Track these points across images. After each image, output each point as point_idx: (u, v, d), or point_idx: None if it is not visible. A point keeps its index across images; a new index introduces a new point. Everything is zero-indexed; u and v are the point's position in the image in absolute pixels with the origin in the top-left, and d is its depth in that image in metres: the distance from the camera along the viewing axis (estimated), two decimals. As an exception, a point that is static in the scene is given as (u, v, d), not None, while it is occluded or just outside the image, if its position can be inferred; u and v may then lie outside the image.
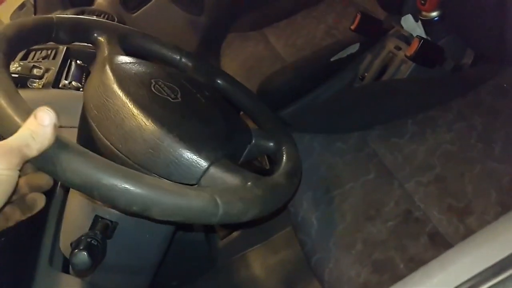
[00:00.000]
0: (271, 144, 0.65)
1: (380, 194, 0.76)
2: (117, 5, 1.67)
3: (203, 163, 0.49)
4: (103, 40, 0.62)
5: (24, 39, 0.53)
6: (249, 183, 0.48)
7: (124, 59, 0.59)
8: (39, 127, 0.34)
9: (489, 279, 0.33)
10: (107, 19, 1.40)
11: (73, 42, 0.62)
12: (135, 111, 0.49)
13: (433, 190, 0.73)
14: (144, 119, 0.49)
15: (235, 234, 1.20)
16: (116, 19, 1.42)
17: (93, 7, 1.60)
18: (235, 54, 1.53)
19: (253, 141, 0.62)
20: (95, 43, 0.63)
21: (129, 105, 0.50)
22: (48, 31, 0.58)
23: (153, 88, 0.56)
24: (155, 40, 0.74)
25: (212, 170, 0.48)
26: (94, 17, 1.37)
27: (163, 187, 0.40)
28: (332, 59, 1.22)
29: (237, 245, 1.20)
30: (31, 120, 0.34)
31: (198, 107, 0.59)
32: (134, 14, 1.68)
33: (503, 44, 0.85)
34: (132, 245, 0.61)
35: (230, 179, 0.48)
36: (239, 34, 1.59)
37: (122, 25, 0.73)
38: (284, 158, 0.62)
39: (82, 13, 1.41)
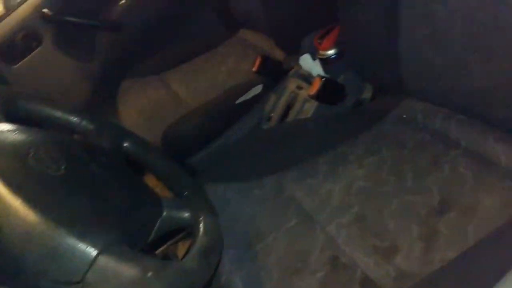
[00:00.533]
0: (186, 214, 0.58)
1: (304, 242, 0.72)
2: (-6, 57, 1.49)
3: (90, 252, 0.39)
4: None
5: None
6: (149, 273, 0.40)
7: (1, 127, 0.49)
8: None
9: None
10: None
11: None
12: (2, 190, 0.40)
13: (355, 230, 0.71)
14: (12, 200, 0.39)
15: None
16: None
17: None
18: (133, 101, 1.45)
19: (164, 213, 0.55)
20: None
21: None
22: None
23: (30, 160, 0.46)
24: (47, 102, 0.64)
25: (102, 260, 0.39)
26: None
27: None
28: (237, 102, 1.20)
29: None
30: None
31: (87, 180, 0.50)
32: (16, 66, 1.52)
33: (400, 78, 0.89)
34: None
35: (125, 270, 0.40)
36: (135, 80, 1.51)
37: (4, 87, 0.62)
38: (200, 232, 0.56)
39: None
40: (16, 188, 0.40)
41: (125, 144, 0.67)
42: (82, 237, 0.39)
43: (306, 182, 0.85)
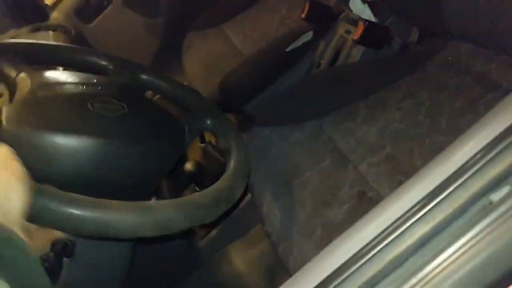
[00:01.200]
0: (208, 121, 0.68)
1: (335, 178, 0.79)
2: (72, 17, 1.65)
3: None
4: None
5: None
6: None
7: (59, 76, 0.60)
8: None
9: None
10: (64, 32, 1.39)
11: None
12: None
13: (384, 169, 0.76)
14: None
15: (213, 232, 1.22)
16: (73, 31, 1.42)
17: (48, 22, 1.59)
18: (195, 53, 1.54)
19: (186, 127, 0.65)
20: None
21: None
22: None
23: (89, 105, 0.58)
24: (65, 48, 0.74)
25: None
26: (50, 33, 1.37)
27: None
28: (287, 49, 1.23)
29: (217, 243, 1.22)
30: None
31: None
32: (91, 24, 1.68)
33: (443, 19, 0.88)
34: (93, 261, 0.62)
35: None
36: (198, 33, 1.60)
37: (23, 42, 0.73)
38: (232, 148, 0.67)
39: (38, 29, 1.40)
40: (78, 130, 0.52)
41: (144, 77, 0.75)
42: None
43: (344, 125, 0.89)
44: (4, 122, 0.51)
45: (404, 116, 0.84)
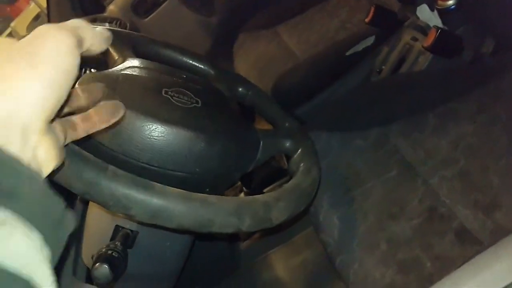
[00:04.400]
0: (288, 143, 0.65)
1: (403, 191, 0.74)
2: (128, 11, 1.68)
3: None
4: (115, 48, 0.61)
5: None
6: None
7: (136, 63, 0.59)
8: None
9: None
10: (119, 25, 1.41)
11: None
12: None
13: (458, 185, 0.71)
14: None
15: (256, 235, 1.19)
16: (128, 25, 1.43)
17: (105, 14, 1.62)
18: (247, 54, 1.52)
19: (261, 142, 0.61)
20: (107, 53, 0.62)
21: None
22: None
23: (164, 94, 0.55)
24: (175, 47, 0.74)
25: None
26: (107, 25, 1.39)
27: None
28: (347, 53, 1.20)
29: (259, 247, 1.19)
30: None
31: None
32: (146, 19, 1.69)
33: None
34: (152, 253, 0.61)
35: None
36: (251, 33, 1.58)
37: (137, 33, 0.73)
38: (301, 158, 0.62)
39: (95, 20, 1.42)
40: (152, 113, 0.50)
41: (240, 89, 0.74)
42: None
43: (412, 135, 0.85)
44: None
45: (478, 130, 0.79)
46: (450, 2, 0.99)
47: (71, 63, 0.27)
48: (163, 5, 1.69)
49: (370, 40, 1.17)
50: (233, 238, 1.18)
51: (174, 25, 1.71)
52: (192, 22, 1.72)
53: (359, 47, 1.17)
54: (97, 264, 0.49)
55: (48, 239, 0.23)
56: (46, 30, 0.27)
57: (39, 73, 0.25)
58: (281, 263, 1.15)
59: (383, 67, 1.11)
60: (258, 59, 1.47)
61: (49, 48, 0.26)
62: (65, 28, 0.28)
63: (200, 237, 0.86)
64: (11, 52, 0.25)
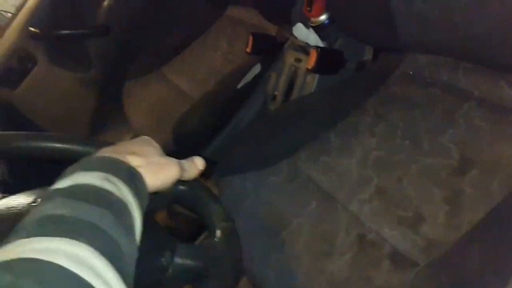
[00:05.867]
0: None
1: (328, 223, 0.72)
2: (-5, 85, 1.50)
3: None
4: None
5: None
6: None
7: None
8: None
9: None
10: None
11: None
12: None
13: (378, 204, 0.70)
14: None
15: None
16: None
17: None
18: (138, 102, 1.44)
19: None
20: None
21: None
22: None
23: None
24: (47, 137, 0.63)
25: None
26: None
27: None
28: (238, 86, 1.17)
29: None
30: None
31: None
32: (17, 90, 1.52)
33: (396, 32, 0.85)
34: None
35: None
36: (137, 80, 1.50)
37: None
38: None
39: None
40: None
41: None
42: None
43: (320, 160, 0.83)
44: None
45: (380, 142, 0.80)
46: (322, 18, 1.01)
47: (173, 179, 0.44)
48: (33, 70, 1.53)
49: (257, 69, 1.16)
50: None
51: (50, 89, 1.55)
52: (70, 82, 1.58)
53: (249, 77, 1.15)
54: None
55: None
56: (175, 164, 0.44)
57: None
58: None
59: (276, 92, 1.10)
60: (151, 106, 1.39)
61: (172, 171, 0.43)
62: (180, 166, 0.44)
63: None
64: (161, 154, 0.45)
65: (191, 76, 1.35)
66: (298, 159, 0.86)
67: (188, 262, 0.52)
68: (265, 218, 0.80)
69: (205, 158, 1.18)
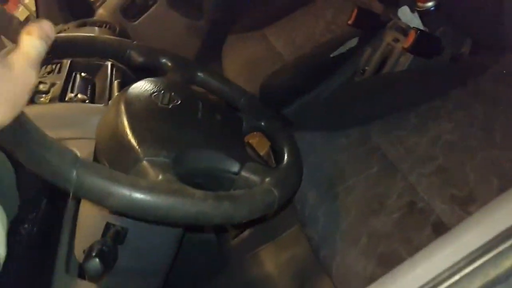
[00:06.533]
0: (262, 123, 0.74)
1: (383, 187, 0.77)
2: (118, 14, 1.69)
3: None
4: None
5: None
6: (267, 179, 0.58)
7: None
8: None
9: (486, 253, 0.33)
10: (108, 29, 1.42)
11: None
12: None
13: (436, 180, 0.74)
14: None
15: (246, 233, 1.21)
16: (117, 28, 1.44)
17: (94, 18, 1.63)
18: (236, 55, 1.55)
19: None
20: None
21: None
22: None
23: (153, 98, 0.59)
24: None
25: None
26: (96, 29, 1.40)
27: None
28: (332, 55, 1.23)
29: (248, 244, 1.21)
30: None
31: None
32: (135, 23, 1.71)
33: (501, 31, 0.86)
34: (142, 249, 0.63)
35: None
36: (239, 35, 1.61)
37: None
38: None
39: (84, 24, 1.43)
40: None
41: (200, 75, 0.77)
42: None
43: (393, 133, 0.88)
44: None
45: (456, 127, 0.82)
46: (430, 4, 1.03)
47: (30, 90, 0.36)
48: (152, 8, 1.71)
49: (354, 42, 1.20)
50: (222, 236, 1.20)
51: (163, 29, 1.73)
52: (181, 26, 1.74)
53: (344, 48, 1.20)
54: (88, 257, 0.51)
55: None
56: None
57: None
58: (270, 259, 1.17)
59: (367, 67, 1.14)
60: (246, 61, 1.49)
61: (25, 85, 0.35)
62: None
63: (190, 230, 0.88)
64: None
65: (290, 40, 1.42)
66: (371, 128, 0.91)
67: (253, 178, 0.61)
68: (327, 171, 0.87)
69: (285, 117, 1.27)
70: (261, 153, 1.18)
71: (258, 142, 1.19)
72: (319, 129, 0.97)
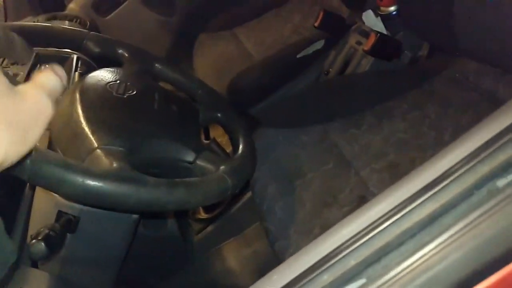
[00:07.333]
0: (219, 114, 0.76)
1: (337, 181, 0.80)
2: (89, 9, 1.68)
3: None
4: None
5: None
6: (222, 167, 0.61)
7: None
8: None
9: None
10: (79, 23, 1.41)
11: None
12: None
13: (386, 176, 0.77)
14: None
15: (209, 228, 1.22)
16: (88, 23, 1.44)
17: (65, 12, 1.61)
18: (206, 54, 1.56)
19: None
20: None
21: None
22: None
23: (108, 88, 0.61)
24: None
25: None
26: (67, 23, 1.39)
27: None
28: (298, 56, 1.26)
29: (212, 239, 1.22)
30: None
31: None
32: (107, 18, 1.70)
33: (454, 36, 0.90)
34: (95, 238, 0.63)
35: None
36: (210, 34, 1.62)
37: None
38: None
39: (54, 18, 1.42)
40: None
41: (157, 66, 0.79)
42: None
43: (350, 131, 0.91)
44: None
45: (409, 127, 0.86)
46: (392, 9, 1.07)
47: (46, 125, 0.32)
48: (124, 4, 1.71)
49: (320, 44, 1.23)
50: (186, 232, 1.21)
51: (134, 25, 1.72)
52: (152, 22, 1.74)
53: (309, 50, 1.23)
54: (34, 240, 0.52)
55: None
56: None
57: None
58: (233, 254, 1.19)
59: (330, 69, 1.17)
60: (216, 59, 1.51)
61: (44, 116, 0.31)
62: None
63: (147, 217, 0.89)
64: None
65: (260, 40, 1.44)
66: (330, 127, 0.94)
67: (209, 167, 0.63)
68: (287, 167, 0.90)
69: (252, 117, 1.28)
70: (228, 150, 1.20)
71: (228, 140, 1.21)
72: (282, 126, 0.99)
